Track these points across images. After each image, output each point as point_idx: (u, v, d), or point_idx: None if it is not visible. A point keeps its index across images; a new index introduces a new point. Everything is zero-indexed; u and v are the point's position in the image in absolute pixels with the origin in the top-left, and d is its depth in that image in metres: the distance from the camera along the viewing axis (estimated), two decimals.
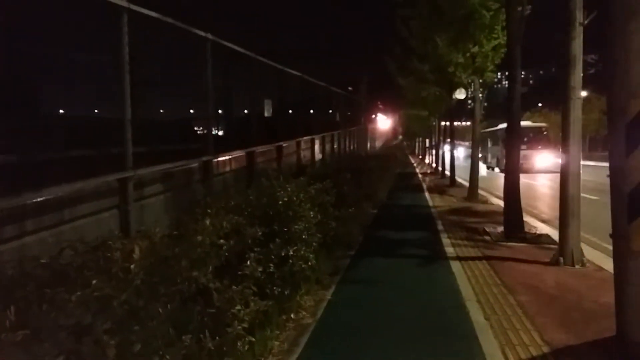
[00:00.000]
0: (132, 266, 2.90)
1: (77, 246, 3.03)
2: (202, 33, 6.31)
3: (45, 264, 2.72)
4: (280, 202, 5.19)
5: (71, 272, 2.66)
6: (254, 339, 3.68)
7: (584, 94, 7.46)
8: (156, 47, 6.47)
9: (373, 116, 40.94)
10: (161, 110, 8.39)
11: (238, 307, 3.48)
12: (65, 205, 3.84)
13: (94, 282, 2.56)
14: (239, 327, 3.40)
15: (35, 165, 4.12)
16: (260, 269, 4.11)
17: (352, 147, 22.24)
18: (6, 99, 4.45)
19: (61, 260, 2.83)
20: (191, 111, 9.06)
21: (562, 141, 7.04)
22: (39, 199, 3.50)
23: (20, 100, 4.77)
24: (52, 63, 4.94)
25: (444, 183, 19.97)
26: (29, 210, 3.47)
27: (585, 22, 6.73)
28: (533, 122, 33.76)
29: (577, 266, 6.79)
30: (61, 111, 6.49)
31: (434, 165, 30.32)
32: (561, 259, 6.88)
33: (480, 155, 17.15)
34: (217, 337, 3.20)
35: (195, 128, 8.34)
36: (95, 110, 6.58)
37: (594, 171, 19.24)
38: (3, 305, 2.21)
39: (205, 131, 6.81)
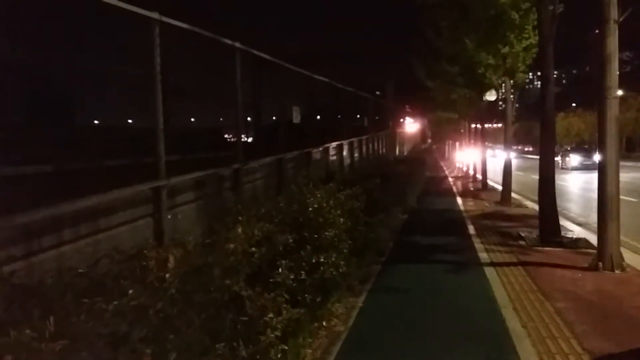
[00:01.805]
0: (167, 275, 2.94)
1: (114, 255, 3.09)
2: (230, 42, 6.38)
3: (82, 274, 2.79)
4: (310, 209, 5.18)
5: (108, 282, 2.71)
6: (286, 347, 3.67)
7: (620, 92, 7.24)
8: (186, 56, 6.58)
9: (401, 120, 40.62)
10: (192, 119, 8.52)
11: (270, 315, 3.48)
12: (101, 214, 3.92)
13: (130, 291, 2.60)
14: (272, 335, 3.40)
15: (71, 175, 4.24)
16: (291, 277, 4.10)
17: (380, 152, 22.14)
18: (43, 110, 4.60)
19: (98, 270, 2.88)
20: (221, 119, 9.18)
21: (598, 142, 6.85)
22: (75, 208, 3.58)
23: (56, 111, 4.91)
24: (87, 74, 5.08)
25: (476, 187, 19.67)
26: (66, 219, 3.55)
27: (621, 19, 6.55)
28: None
29: (616, 271, 6.58)
30: (96, 122, 6.66)
31: (464, 168, 29.89)
32: (600, 264, 6.68)
33: None
34: (250, 345, 3.21)
35: (226, 136, 8.44)
36: (129, 120, 6.73)
37: (633, 172, 18.63)
38: (43, 315, 2.26)
39: (235, 139, 6.88)
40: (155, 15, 4.50)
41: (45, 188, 3.62)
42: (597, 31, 6.69)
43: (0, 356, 1.97)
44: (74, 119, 5.62)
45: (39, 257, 3.27)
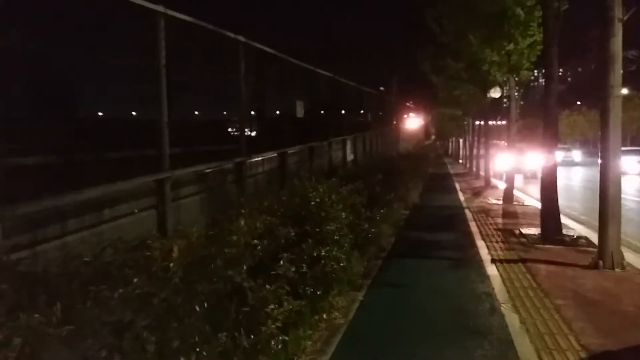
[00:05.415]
0: (170, 265, 2.99)
1: (118, 245, 3.14)
2: (234, 35, 6.40)
3: (88, 262, 2.83)
4: (313, 203, 5.22)
5: (113, 271, 2.76)
6: (287, 338, 3.72)
7: (624, 91, 7.23)
8: (191, 50, 6.60)
9: (405, 116, 40.51)
10: (196, 112, 8.54)
11: (272, 306, 3.53)
12: (105, 206, 3.97)
13: (135, 280, 2.64)
14: (273, 326, 3.45)
15: (75, 166, 4.28)
16: (293, 269, 4.15)
17: (383, 148, 22.12)
18: (51, 102, 4.64)
19: (103, 259, 2.93)
20: (224, 113, 9.20)
21: (601, 141, 6.86)
22: (80, 199, 3.63)
23: (62, 103, 4.95)
24: (94, 67, 5.11)
25: (479, 184, 19.66)
26: (71, 210, 3.60)
27: (625, 18, 6.54)
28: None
29: (617, 270, 6.60)
30: (100, 113, 6.68)
31: (467, 165, 29.85)
32: (600, 262, 6.70)
33: None
34: (251, 336, 3.26)
35: (229, 129, 8.47)
36: (133, 113, 6.75)
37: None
38: (50, 302, 2.31)
39: (238, 132, 6.91)
40: (160, 8, 4.53)
41: (52, 179, 3.66)
42: (601, 30, 6.68)
43: (10, 337, 2.02)
44: (77, 112, 5.66)
45: (43, 247, 3.32)
